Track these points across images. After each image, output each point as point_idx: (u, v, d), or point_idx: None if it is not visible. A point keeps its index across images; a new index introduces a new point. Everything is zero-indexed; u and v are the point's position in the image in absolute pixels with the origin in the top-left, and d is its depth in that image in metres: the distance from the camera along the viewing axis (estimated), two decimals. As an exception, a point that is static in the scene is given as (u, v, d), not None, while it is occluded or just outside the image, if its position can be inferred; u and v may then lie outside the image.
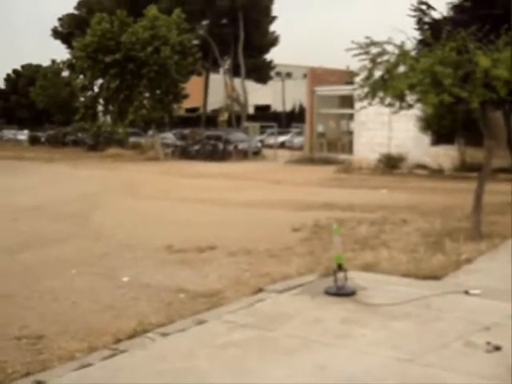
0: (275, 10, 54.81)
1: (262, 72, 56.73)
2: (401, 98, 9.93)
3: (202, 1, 49.78)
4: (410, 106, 10.19)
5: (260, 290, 7.14)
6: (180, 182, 22.93)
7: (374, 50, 10.33)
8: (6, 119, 64.36)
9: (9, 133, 59.38)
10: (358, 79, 11.01)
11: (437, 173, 23.14)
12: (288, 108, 58.25)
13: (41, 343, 6.06)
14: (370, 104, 10.56)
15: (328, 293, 6.68)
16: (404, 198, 16.46)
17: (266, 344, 5.33)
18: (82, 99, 38.72)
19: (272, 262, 9.09)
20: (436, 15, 20.41)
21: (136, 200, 17.82)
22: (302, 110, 42.83)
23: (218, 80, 58.83)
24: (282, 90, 58.02)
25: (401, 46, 10.28)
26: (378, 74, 10.36)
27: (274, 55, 58.17)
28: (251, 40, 52.41)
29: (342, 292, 6.62)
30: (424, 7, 20.30)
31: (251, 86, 57.62)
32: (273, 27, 56.01)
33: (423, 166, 24.21)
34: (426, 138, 24.37)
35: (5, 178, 24.95)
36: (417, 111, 18.26)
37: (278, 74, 63.31)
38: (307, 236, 11.04)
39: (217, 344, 5.35)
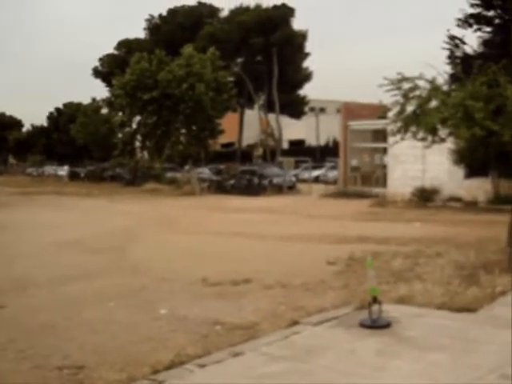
0: (308, 46, 55.68)
1: (295, 107, 57.35)
2: (433, 132, 10.03)
3: (237, 39, 50.93)
4: (443, 140, 10.27)
5: (295, 323, 7.23)
6: (215, 216, 23.18)
7: (406, 86, 10.50)
8: (47, 155, 66.23)
9: (50, 168, 61.05)
10: (390, 114, 11.17)
11: (471, 205, 23.00)
12: (322, 142, 58.53)
13: (82, 373, 6.25)
14: (402, 138, 10.67)
15: (363, 325, 6.73)
16: (438, 230, 16.37)
17: (302, 376, 5.41)
18: (120, 135, 39.73)
19: (307, 296, 9.17)
20: (468, 49, 20.55)
21: (172, 234, 18.08)
22: (335, 144, 43.00)
23: (252, 116, 59.63)
24: (315, 124, 58.42)
25: (432, 81, 10.43)
26: (410, 108, 10.51)
27: (307, 91, 58.86)
28: (285, 76, 53.18)
29: (377, 324, 6.67)
30: (457, 41, 20.43)
31: (285, 121, 58.23)
32: (306, 63, 56.81)
33: (457, 199, 24.11)
34: (460, 171, 24.27)
35: (45, 212, 25.67)
36: (450, 144, 18.24)
37: (312, 109, 63.81)
38: (342, 269, 11.09)
39: (253, 375, 5.45)
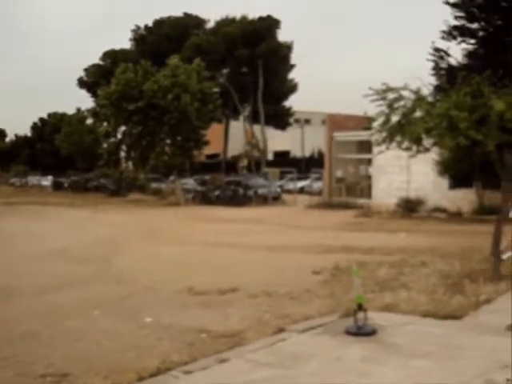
0: (293, 57, 56.00)
1: (281, 119, 57.59)
2: (418, 141, 10.13)
3: (223, 50, 51.14)
4: (427, 150, 10.37)
5: (281, 330, 7.22)
6: (201, 226, 23.12)
7: (391, 96, 10.60)
8: (31, 165, 65.70)
9: (33, 179, 60.57)
10: (375, 124, 11.26)
11: (455, 216, 23.19)
12: (307, 154, 58.75)
13: (65, 381, 6.19)
14: (387, 148, 10.77)
15: (348, 332, 6.74)
16: (423, 240, 16.48)
17: (288, 382, 5.40)
18: (105, 146, 39.56)
19: (292, 304, 9.18)
20: (452, 61, 20.84)
21: (157, 245, 18.00)
22: (320, 155, 43.20)
23: (237, 127, 59.76)
24: (301, 136, 58.68)
25: (417, 92, 10.54)
26: (395, 118, 10.61)
27: (292, 102, 59.11)
28: (270, 87, 53.44)
29: (363, 331, 6.68)
30: (441, 53, 20.72)
31: (270, 132, 58.42)
32: (291, 75, 57.11)
33: (442, 210, 24.30)
34: (445, 182, 24.50)
35: (29, 222, 25.43)
36: (434, 155, 18.38)
37: (297, 120, 64.12)
38: (327, 279, 11.12)
39: (239, 382, 5.44)
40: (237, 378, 5.54)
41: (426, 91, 10.83)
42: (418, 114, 10.32)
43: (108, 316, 9.02)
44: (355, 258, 13.07)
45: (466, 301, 8.18)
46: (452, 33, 20.96)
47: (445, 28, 20.94)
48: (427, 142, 10.28)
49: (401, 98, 10.53)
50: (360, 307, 6.78)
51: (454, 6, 21.01)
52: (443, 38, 20.98)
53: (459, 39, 21.05)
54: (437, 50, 20.90)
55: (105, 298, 10.29)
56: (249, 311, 8.85)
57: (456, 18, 20.95)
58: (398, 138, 10.54)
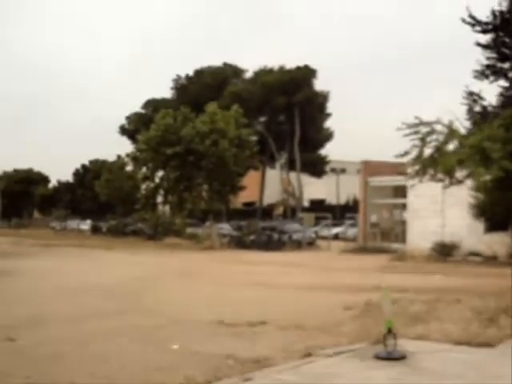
0: (329, 106, 56.48)
1: (316, 166, 57.74)
2: (450, 173, 10.05)
3: (260, 98, 51.99)
4: (460, 182, 10.27)
5: (309, 355, 7.08)
6: (233, 268, 23.06)
7: (424, 130, 10.61)
8: (71, 210, 67.03)
9: (72, 223, 61.66)
10: (408, 157, 11.25)
11: (491, 260, 22.73)
12: (342, 202, 58.51)
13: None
14: (421, 181, 10.70)
15: (378, 357, 6.57)
16: (458, 282, 16.08)
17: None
18: (143, 190, 40.20)
19: (322, 335, 9.00)
20: (485, 103, 20.83)
21: (189, 283, 18.03)
22: (355, 203, 42.98)
23: (274, 175, 60.11)
24: (336, 184, 58.63)
25: (449, 126, 10.54)
26: (427, 152, 10.59)
27: (328, 151, 59.32)
28: (306, 136, 53.84)
29: (392, 356, 6.50)
30: (475, 97, 20.76)
31: (306, 180, 58.54)
32: (327, 123, 57.50)
33: (477, 254, 23.84)
34: (480, 226, 24.08)
35: (66, 262, 25.90)
36: (470, 198, 18.09)
37: (333, 170, 64.21)
38: (358, 314, 10.89)
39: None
40: (260, 394, 5.43)
41: (459, 125, 10.80)
42: (451, 147, 10.28)
43: (135, 343, 9.01)
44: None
45: (501, 332, 7.90)
46: (485, 72, 21.11)
47: (478, 68, 21.17)
48: (460, 174, 10.19)
49: (433, 131, 10.53)
50: (390, 331, 6.62)
51: (485, 47, 21.23)
52: (476, 77, 21.13)
53: (491, 78, 21.18)
54: (470, 93, 20.96)
55: (133, 328, 10.30)
56: (277, 341, 8.72)
57: (488, 58, 21.15)
58: (431, 171, 10.48)
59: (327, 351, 7.17)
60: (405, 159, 11.86)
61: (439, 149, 10.20)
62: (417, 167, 10.54)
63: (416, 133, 10.62)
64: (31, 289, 16.29)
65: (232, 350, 8.20)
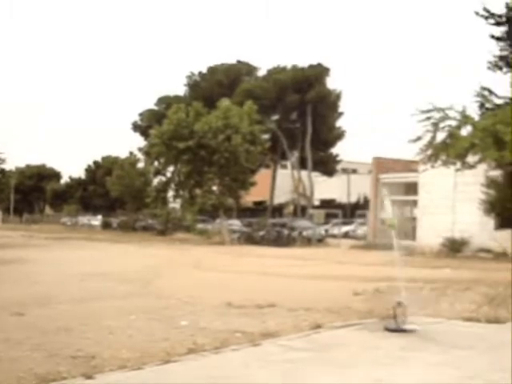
0: (342, 105, 56.26)
1: (328, 165, 57.58)
2: (462, 157, 10.00)
3: (273, 96, 51.93)
4: (472, 167, 10.21)
5: (318, 326, 7.07)
6: (243, 260, 23.15)
7: (437, 115, 10.57)
8: (82, 206, 67.35)
9: (83, 218, 62.01)
10: (420, 144, 11.21)
11: (501, 256, 22.49)
12: (352, 200, 58.30)
13: (94, 361, 6.22)
14: (432, 166, 10.66)
15: (388, 329, 6.54)
16: (467, 274, 15.98)
17: (320, 361, 5.25)
18: (154, 183, 40.29)
19: (331, 316, 8.97)
20: (498, 101, 20.70)
21: (198, 271, 18.15)
22: (366, 202, 42.85)
23: (284, 173, 60.02)
24: (347, 183, 58.47)
25: (463, 111, 10.49)
26: (440, 138, 10.55)
27: (340, 150, 59.11)
28: (318, 134, 53.67)
29: (402, 328, 6.47)
30: (486, 93, 20.69)
31: (317, 178, 58.39)
32: (339, 123, 57.28)
33: (487, 250, 23.66)
34: (490, 222, 23.89)
35: (76, 252, 26.13)
36: (481, 194, 17.97)
37: (344, 170, 63.98)
38: (367, 298, 10.89)
39: (270, 360, 5.32)
40: (268, 357, 5.43)
41: (472, 112, 10.76)
42: (464, 132, 10.24)
43: (144, 320, 9.04)
44: (397, 284, 12.77)
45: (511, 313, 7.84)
46: (498, 64, 21.06)
47: (491, 59, 21.15)
48: (472, 159, 10.14)
49: (446, 117, 10.49)
50: (399, 304, 6.59)
51: (498, 39, 21.19)
52: (489, 68, 21.07)
53: (505, 70, 21.12)
54: (483, 88, 20.87)
55: (142, 308, 10.32)
56: (286, 319, 8.71)
57: (501, 49, 21.07)
58: (443, 157, 10.44)
59: (336, 324, 7.15)
60: (417, 145, 11.81)
61: (452, 133, 10.15)
62: (429, 152, 10.48)
63: (429, 118, 10.57)
64: (43, 274, 16.39)
65: (240, 326, 8.19)
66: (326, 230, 40.67)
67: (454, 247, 24.22)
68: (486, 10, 21.91)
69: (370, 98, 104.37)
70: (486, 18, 21.78)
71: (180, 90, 61.19)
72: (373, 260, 22.39)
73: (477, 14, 22.16)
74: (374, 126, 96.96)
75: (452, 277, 14.89)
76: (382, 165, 31.97)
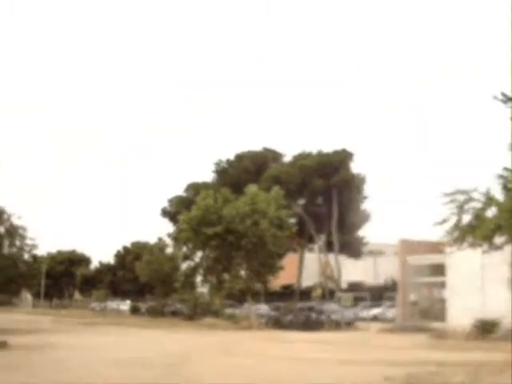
0: (367, 189, 56.94)
1: (354, 248, 57.52)
2: (489, 239, 10.26)
3: (299, 181, 52.95)
4: (499, 248, 10.44)
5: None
6: (270, 344, 23.12)
7: (461, 198, 10.95)
8: (111, 291, 67.61)
9: (112, 303, 62.11)
10: (446, 226, 11.51)
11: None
12: (380, 282, 57.67)
13: None
14: (459, 248, 10.92)
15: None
16: (498, 356, 15.65)
17: None
18: (183, 268, 40.60)
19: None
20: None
21: (225, 357, 18.25)
22: (393, 284, 42.44)
23: (311, 257, 60.04)
24: (373, 265, 58.13)
25: (487, 193, 10.85)
26: (465, 220, 10.86)
27: (366, 231, 59.17)
28: (344, 218, 54.10)
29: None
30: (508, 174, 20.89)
31: (344, 261, 58.22)
32: (365, 205, 57.74)
33: (519, 330, 23.08)
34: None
35: (107, 338, 26.35)
36: (509, 274, 17.95)
37: (371, 252, 63.72)
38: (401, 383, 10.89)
39: None
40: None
41: (496, 193, 11.10)
42: (489, 213, 10.56)
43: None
44: (428, 369, 12.77)
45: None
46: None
47: None
48: (499, 240, 10.40)
49: (471, 199, 10.85)
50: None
51: None
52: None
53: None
54: (505, 169, 21.09)
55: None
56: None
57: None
58: (470, 239, 10.71)
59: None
60: (443, 227, 12.11)
61: (478, 215, 10.47)
62: (455, 234, 10.77)
63: (453, 201, 10.94)
64: (72, 359, 16.87)
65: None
66: (355, 313, 40.10)
67: (486, 328, 23.81)
68: (503, 94, 22.18)
69: (394, 181, 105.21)
70: (505, 101, 22.04)
71: (208, 176, 62.68)
72: (403, 344, 22.14)
73: (495, 97, 22.38)
74: (400, 208, 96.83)
75: (482, 359, 14.69)
76: (408, 246, 32.01)
